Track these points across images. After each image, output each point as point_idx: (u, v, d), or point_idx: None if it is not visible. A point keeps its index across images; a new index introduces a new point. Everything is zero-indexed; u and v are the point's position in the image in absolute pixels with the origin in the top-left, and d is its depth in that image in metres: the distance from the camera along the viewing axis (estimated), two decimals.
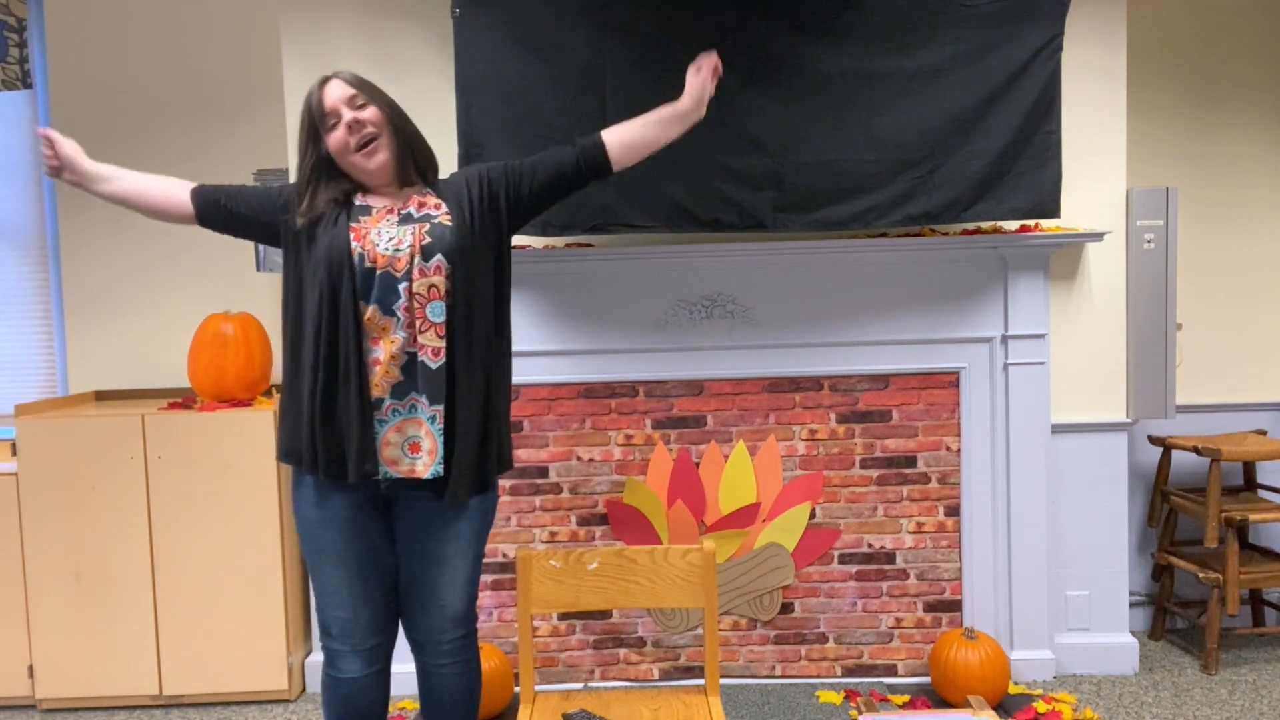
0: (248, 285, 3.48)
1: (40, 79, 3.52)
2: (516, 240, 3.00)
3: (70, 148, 2.04)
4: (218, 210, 2.07)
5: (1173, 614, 3.41)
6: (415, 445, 1.97)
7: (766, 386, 3.09)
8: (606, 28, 2.78)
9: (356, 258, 1.94)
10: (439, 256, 1.96)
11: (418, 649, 2.16)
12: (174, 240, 3.51)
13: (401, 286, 1.94)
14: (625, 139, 2.13)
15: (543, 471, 3.10)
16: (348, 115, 1.98)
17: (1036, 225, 3.00)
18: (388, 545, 2.08)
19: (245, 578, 3.05)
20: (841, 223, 2.86)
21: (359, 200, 2.04)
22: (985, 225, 3.00)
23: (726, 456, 3.10)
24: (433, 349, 1.96)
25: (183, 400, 3.27)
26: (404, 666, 3.14)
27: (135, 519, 3.02)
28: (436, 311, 1.96)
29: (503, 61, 2.80)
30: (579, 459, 3.11)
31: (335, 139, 2.00)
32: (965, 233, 3.00)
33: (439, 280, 1.96)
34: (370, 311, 1.94)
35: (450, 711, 2.19)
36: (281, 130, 3.30)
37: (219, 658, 3.06)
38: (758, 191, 2.84)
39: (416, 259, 1.95)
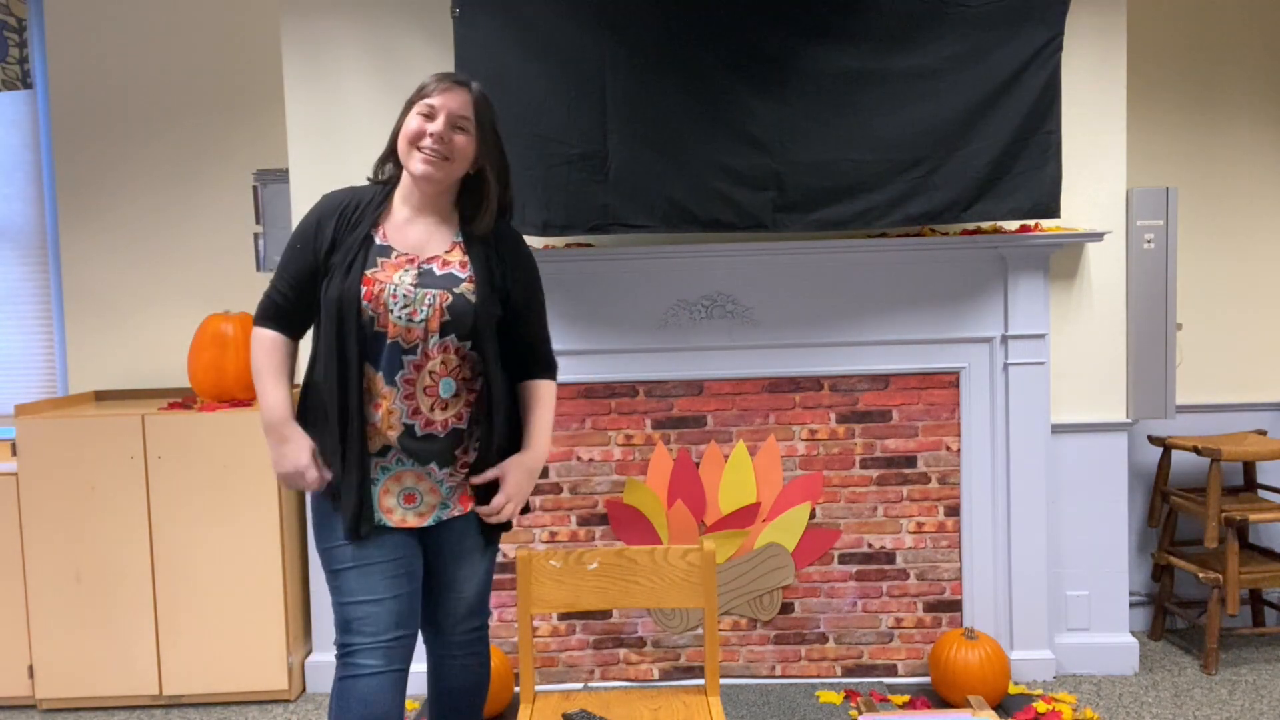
0: (248, 285, 3.47)
1: (40, 79, 3.52)
2: None
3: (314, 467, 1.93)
4: (294, 313, 1.99)
5: (1173, 614, 3.41)
6: (411, 496, 1.96)
7: (766, 386, 3.09)
8: (606, 28, 2.79)
9: (366, 320, 1.88)
10: (453, 335, 1.92)
11: (432, 639, 2.14)
12: (174, 240, 3.51)
13: (408, 360, 1.90)
14: (524, 401, 2.09)
15: (543, 471, 3.10)
16: (440, 125, 1.89)
17: (1036, 225, 3.00)
18: (414, 541, 2.02)
19: (245, 578, 3.05)
20: (841, 223, 2.86)
21: (379, 237, 1.94)
22: (985, 225, 3.00)
23: (726, 456, 3.09)
24: (440, 422, 1.93)
25: (183, 400, 3.27)
26: None
27: (135, 519, 3.02)
28: (448, 388, 1.93)
29: (503, 61, 2.80)
30: (579, 459, 3.11)
31: (414, 126, 1.91)
32: (965, 233, 3.00)
33: (450, 356, 1.93)
34: (376, 377, 1.90)
35: (459, 703, 2.17)
36: (281, 130, 3.29)
37: (219, 658, 3.06)
38: (758, 191, 2.84)
39: (433, 336, 1.90)
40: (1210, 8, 3.49)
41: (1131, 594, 3.46)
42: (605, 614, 3.13)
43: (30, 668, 3.08)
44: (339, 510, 1.94)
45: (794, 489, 3.10)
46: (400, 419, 1.91)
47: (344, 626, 1.94)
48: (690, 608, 2.85)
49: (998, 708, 2.89)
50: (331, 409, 1.91)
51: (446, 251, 1.97)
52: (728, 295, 3.05)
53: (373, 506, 1.94)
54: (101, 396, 3.47)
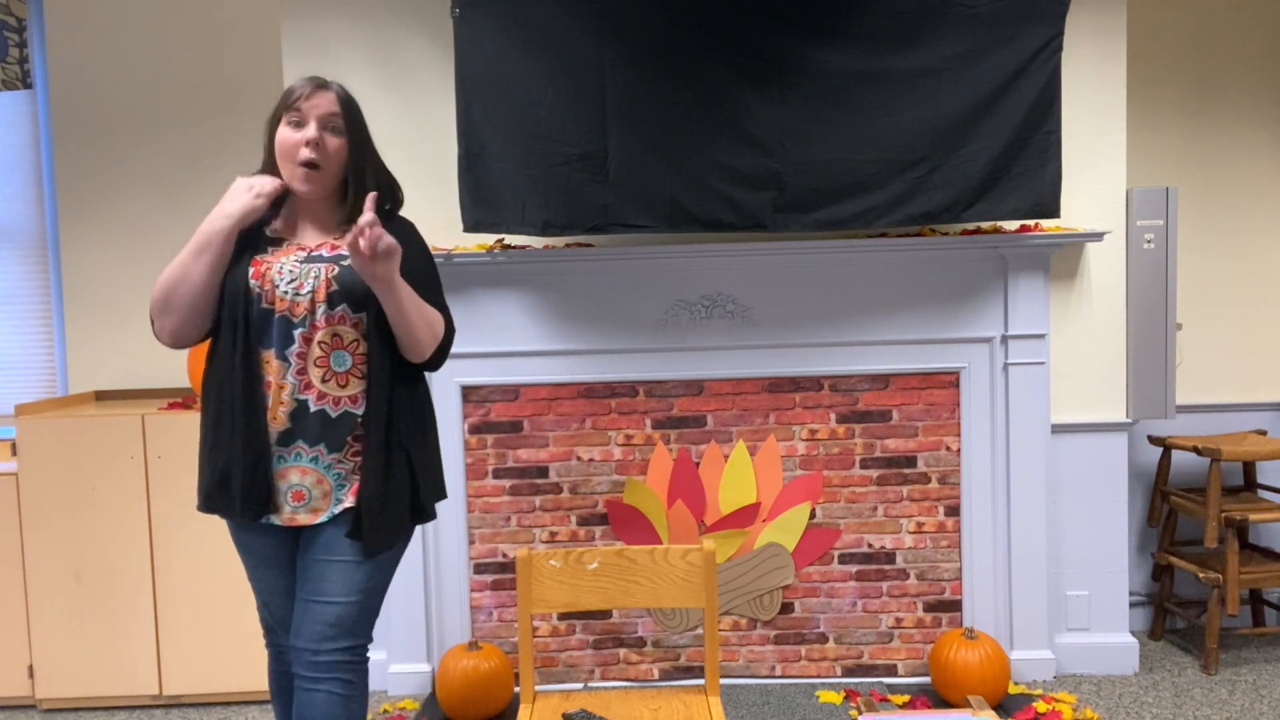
0: None
1: (40, 79, 3.52)
2: (516, 240, 3.01)
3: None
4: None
5: (1173, 614, 3.41)
6: (299, 494, 1.90)
7: (766, 386, 3.09)
8: (606, 27, 2.79)
9: (254, 299, 1.87)
10: (344, 305, 1.88)
11: (295, 657, 1.93)
12: (174, 240, 3.51)
13: (297, 333, 1.87)
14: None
15: (543, 471, 3.10)
16: (313, 132, 1.89)
17: (1036, 225, 3.00)
18: (294, 539, 1.99)
19: (245, 577, 3.03)
20: (841, 223, 2.86)
21: (270, 230, 1.96)
22: (985, 225, 3.00)
23: (726, 456, 3.09)
24: (333, 398, 1.89)
25: (183, 400, 3.27)
26: (403, 667, 3.15)
27: (135, 519, 3.02)
28: (341, 361, 1.89)
29: (503, 61, 2.80)
30: (579, 459, 3.10)
31: (288, 138, 1.90)
32: (965, 233, 3.00)
33: (344, 329, 1.89)
34: (266, 355, 1.88)
35: None
36: None
37: (219, 658, 3.06)
38: (758, 191, 2.84)
39: (320, 307, 1.87)
40: (1210, 8, 3.49)
41: (1131, 594, 3.45)
42: (605, 614, 3.13)
43: (30, 668, 3.07)
44: (228, 506, 1.91)
45: (794, 489, 3.10)
46: (292, 394, 1.88)
47: (269, 628, 2.09)
48: (690, 608, 2.85)
49: (998, 708, 2.89)
50: (226, 395, 1.88)
51: (335, 239, 1.97)
52: (728, 295, 3.05)
53: (272, 486, 1.88)
54: (101, 396, 3.47)
